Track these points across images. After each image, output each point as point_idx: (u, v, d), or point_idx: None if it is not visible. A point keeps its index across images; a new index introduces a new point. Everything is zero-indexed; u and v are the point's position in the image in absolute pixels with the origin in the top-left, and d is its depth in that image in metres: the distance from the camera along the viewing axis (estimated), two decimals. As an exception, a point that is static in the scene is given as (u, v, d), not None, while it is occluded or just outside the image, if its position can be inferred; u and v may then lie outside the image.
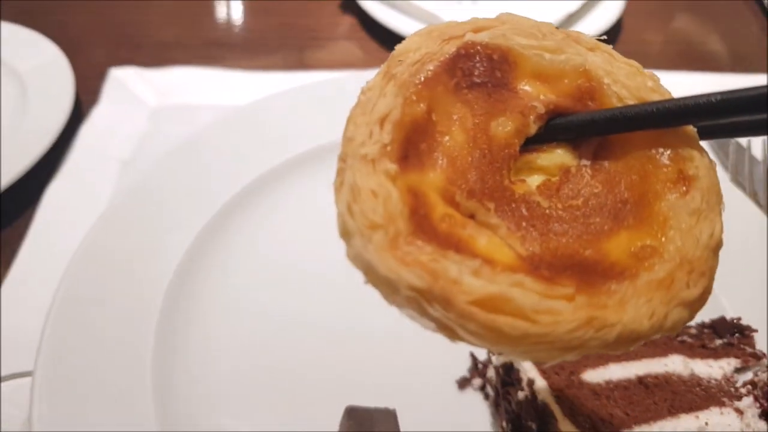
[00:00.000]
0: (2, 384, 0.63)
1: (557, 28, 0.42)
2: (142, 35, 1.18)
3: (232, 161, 0.81)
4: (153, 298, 0.67)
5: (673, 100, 0.36)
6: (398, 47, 0.40)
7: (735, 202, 0.80)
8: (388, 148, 0.34)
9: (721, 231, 0.36)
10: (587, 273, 0.33)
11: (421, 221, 0.32)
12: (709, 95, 0.33)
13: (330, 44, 1.20)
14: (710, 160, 0.37)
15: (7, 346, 0.68)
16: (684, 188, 0.36)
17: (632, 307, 0.32)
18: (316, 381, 0.65)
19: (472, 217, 0.35)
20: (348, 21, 1.24)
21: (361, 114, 0.37)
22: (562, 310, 0.31)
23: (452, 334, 0.33)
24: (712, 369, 0.69)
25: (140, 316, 0.66)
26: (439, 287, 0.30)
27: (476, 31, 0.41)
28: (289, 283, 0.70)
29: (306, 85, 0.90)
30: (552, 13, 1.15)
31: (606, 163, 0.38)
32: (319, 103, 0.85)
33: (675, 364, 0.69)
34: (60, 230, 0.80)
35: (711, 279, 0.35)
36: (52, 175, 0.88)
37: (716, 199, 0.36)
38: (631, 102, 0.39)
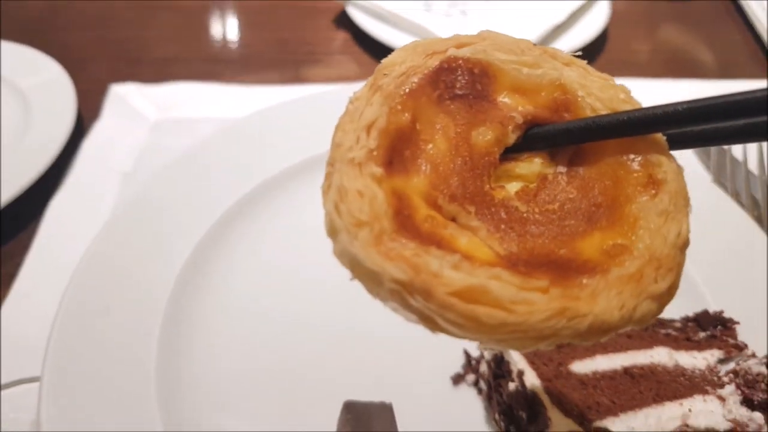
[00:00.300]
0: (12, 389, 0.65)
1: (535, 45, 0.45)
2: (141, 52, 1.21)
3: (231, 171, 0.83)
4: (156, 305, 0.69)
5: (642, 109, 0.39)
6: (384, 61, 0.43)
7: (717, 202, 0.83)
8: (374, 153, 0.37)
9: (688, 231, 0.38)
10: (561, 269, 0.35)
11: (404, 221, 0.35)
12: (675, 104, 0.36)
13: (325, 58, 1.23)
14: (678, 166, 0.40)
15: (14, 353, 0.70)
16: (653, 191, 0.39)
17: (603, 299, 0.35)
18: (315, 379, 0.67)
19: (453, 220, 0.38)
20: (342, 36, 1.27)
21: (349, 122, 0.39)
22: (536, 301, 0.33)
23: (433, 325, 0.36)
24: (696, 360, 0.72)
25: (144, 322, 0.68)
26: (420, 280, 0.32)
27: (458, 46, 0.43)
28: (287, 287, 0.72)
29: (302, 98, 0.93)
30: (538, 25, 1.18)
31: (581, 170, 0.41)
32: (315, 114, 0.87)
33: (660, 356, 0.71)
34: (63, 242, 0.83)
35: (678, 275, 0.38)
36: (55, 188, 0.90)
37: (683, 202, 0.39)
38: (604, 113, 0.42)
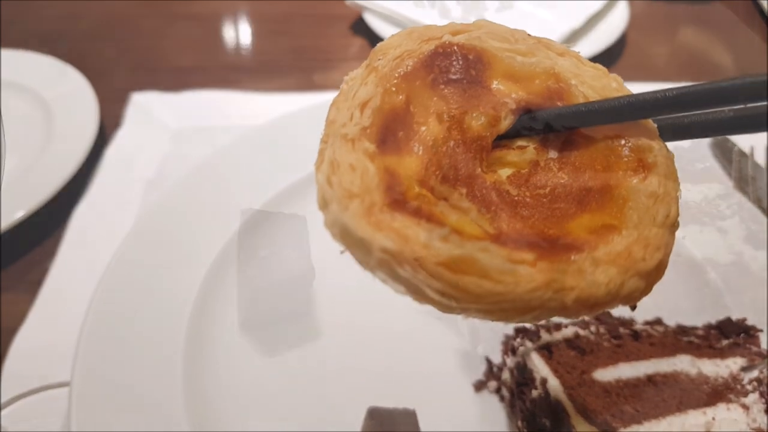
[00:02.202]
0: (40, 394, 0.66)
1: (530, 35, 0.45)
2: (160, 61, 1.23)
3: (252, 178, 0.84)
4: (181, 310, 0.70)
5: (633, 95, 0.39)
6: (380, 44, 0.44)
7: (738, 207, 0.82)
8: (368, 131, 0.37)
9: (677, 213, 0.39)
10: (550, 246, 0.36)
11: (395, 196, 0.35)
12: (665, 90, 0.36)
13: (342, 65, 1.24)
14: (668, 151, 0.40)
15: (42, 358, 0.71)
16: (643, 175, 0.39)
17: (590, 274, 0.35)
18: (339, 385, 0.68)
19: (445, 200, 0.38)
20: (359, 42, 1.28)
21: (343, 100, 0.40)
22: (523, 273, 0.34)
23: (421, 296, 0.36)
24: (719, 368, 0.71)
25: (170, 327, 0.69)
26: (409, 249, 0.33)
27: (454, 33, 0.44)
28: (312, 292, 0.73)
29: (320, 104, 0.93)
30: (556, 30, 1.18)
31: (572, 156, 0.42)
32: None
33: (683, 363, 0.71)
34: (89, 248, 0.84)
35: (666, 254, 0.38)
36: (79, 196, 0.91)
37: (673, 185, 0.39)
38: None
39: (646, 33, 1.32)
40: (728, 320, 0.76)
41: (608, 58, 1.17)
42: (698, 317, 0.75)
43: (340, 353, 0.70)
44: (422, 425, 0.54)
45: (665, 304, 0.76)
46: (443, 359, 0.70)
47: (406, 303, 0.68)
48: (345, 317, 0.73)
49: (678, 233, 0.50)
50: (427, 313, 0.70)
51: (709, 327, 0.77)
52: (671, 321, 0.77)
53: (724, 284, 0.76)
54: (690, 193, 0.67)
